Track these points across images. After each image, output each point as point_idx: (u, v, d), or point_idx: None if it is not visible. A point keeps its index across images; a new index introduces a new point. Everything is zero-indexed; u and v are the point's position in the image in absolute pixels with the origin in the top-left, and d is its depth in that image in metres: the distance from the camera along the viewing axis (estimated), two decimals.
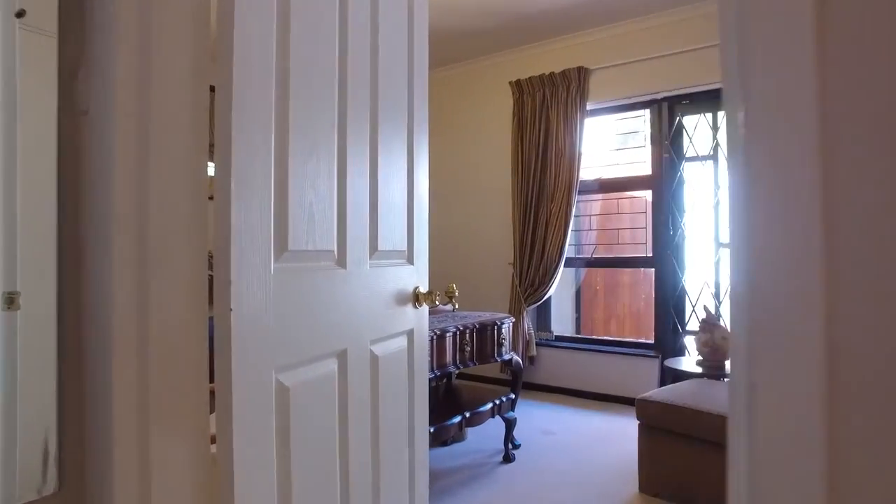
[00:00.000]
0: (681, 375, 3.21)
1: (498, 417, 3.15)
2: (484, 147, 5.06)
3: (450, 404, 3.10)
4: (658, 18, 4.08)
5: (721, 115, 4.03)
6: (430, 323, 3.08)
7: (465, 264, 5.15)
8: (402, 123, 1.67)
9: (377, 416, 1.49)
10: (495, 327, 3.17)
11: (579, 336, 4.76)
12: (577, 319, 5.55)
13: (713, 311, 3.33)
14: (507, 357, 3.25)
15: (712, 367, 3.16)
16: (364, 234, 1.45)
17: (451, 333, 2.89)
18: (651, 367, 4.14)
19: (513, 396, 3.25)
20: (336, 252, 1.34)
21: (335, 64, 1.33)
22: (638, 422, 2.68)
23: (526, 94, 4.68)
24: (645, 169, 4.35)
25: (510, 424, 3.20)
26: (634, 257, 4.50)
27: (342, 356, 1.36)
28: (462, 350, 2.97)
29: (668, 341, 4.17)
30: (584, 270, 5.55)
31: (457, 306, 3.80)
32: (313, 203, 1.25)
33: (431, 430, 2.70)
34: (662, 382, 4.08)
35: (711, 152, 4.06)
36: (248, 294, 1.05)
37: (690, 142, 4.16)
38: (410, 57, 1.69)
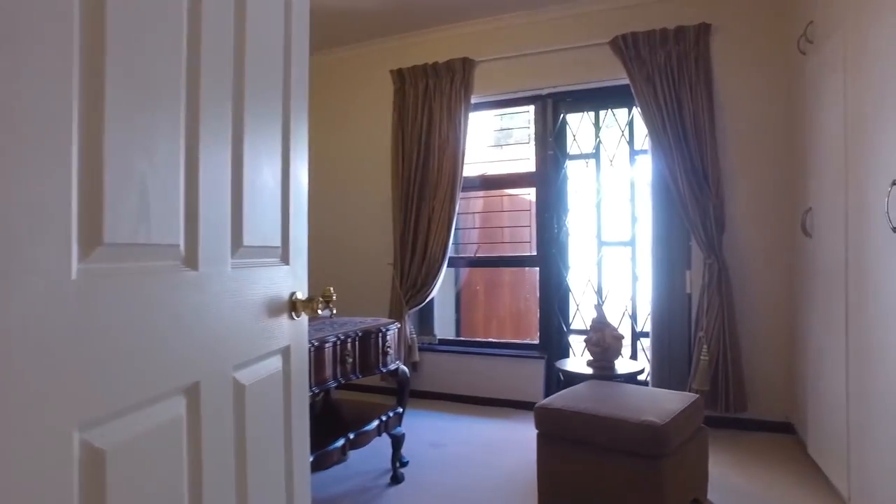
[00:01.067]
0: (572, 378, 3.11)
1: (385, 435, 2.84)
2: (364, 139, 4.71)
3: (330, 424, 2.73)
4: (545, 13, 4.00)
5: (603, 113, 4.05)
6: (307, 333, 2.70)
7: (342, 264, 4.77)
8: (275, 96, 1.30)
9: (244, 467, 1.12)
10: (380, 335, 2.85)
11: (463, 339, 4.58)
12: (458, 321, 5.39)
13: (602, 311, 3.29)
14: (392, 367, 2.94)
15: (603, 368, 3.09)
16: (224, 223, 1.07)
17: (330, 344, 2.53)
18: (537, 369, 4.05)
19: (400, 410, 2.95)
20: (183, 247, 0.96)
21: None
22: (536, 431, 2.50)
23: (408, 84, 4.41)
24: (529, 166, 4.26)
25: (398, 442, 2.90)
26: (518, 256, 4.40)
27: (193, 392, 0.97)
28: (343, 362, 2.62)
29: (553, 342, 4.11)
30: (465, 271, 5.40)
31: (334, 312, 3.44)
32: (146, 174, 0.86)
33: (311, 458, 2.33)
34: (548, 384, 4.01)
35: (594, 150, 4.06)
36: (17, 314, 0.65)
37: (574, 139, 4.13)
38: (288, 25, 1.33)
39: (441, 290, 4.45)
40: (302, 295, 1.41)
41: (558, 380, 3.80)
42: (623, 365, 3.24)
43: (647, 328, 3.75)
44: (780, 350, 3.44)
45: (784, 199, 3.39)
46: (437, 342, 4.51)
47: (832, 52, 2.48)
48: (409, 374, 3.10)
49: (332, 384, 2.57)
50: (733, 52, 3.53)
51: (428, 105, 4.31)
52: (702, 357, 3.38)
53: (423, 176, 4.30)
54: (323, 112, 4.86)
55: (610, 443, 2.23)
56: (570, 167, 4.14)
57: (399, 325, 3.07)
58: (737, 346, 3.41)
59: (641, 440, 2.15)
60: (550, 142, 4.12)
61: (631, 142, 3.96)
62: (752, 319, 3.48)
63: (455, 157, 4.18)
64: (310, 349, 2.39)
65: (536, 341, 4.22)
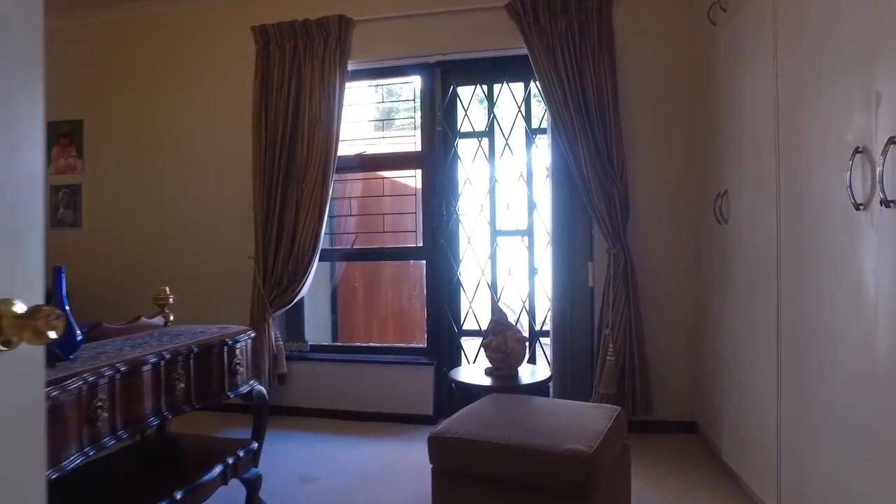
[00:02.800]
0: (470, 391, 2.63)
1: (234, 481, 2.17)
2: (219, 111, 3.90)
3: (154, 476, 2.02)
4: None
5: (498, 87, 3.61)
6: (117, 350, 1.96)
7: (191, 260, 3.94)
8: None
9: None
10: (224, 349, 2.17)
11: (339, 345, 3.96)
12: (334, 324, 4.75)
13: (502, 309, 2.84)
14: (244, 389, 2.27)
15: (505, 377, 2.64)
16: None
17: (149, 367, 1.82)
18: (425, 377, 3.54)
19: (254, 446, 2.28)
20: None
21: None
22: (431, 465, 1.98)
23: (273, 45, 3.69)
24: (414, 144, 3.73)
25: (253, 487, 2.24)
26: (402, 248, 3.86)
27: None
28: (171, 390, 1.92)
29: (443, 345, 3.62)
30: (341, 265, 4.78)
31: (171, 319, 2.68)
32: None
33: None
34: (439, 393, 3.51)
35: (487, 128, 3.61)
36: None
37: (465, 115, 3.66)
38: None
39: (313, 288, 3.80)
40: (20, 307, 0.75)
41: (450, 389, 3.32)
42: (528, 372, 2.81)
43: (548, 326, 3.38)
44: (685, 346, 3.21)
45: (693, 182, 3.16)
46: (308, 349, 3.84)
47: (755, 19, 2.19)
48: (266, 395, 2.43)
49: (154, 421, 1.87)
50: (637, 23, 3.24)
51: (297, 71, 3.63)
52: (608, 357, 3.06)
53: (291, 155, 3.62)
54: (167, 77, 3.99)
55: (526, 479, 1.76)
56: (461, 147, 3.67)
57: (253, 334, 2.40)
58: (642, 344, 3.12)
59: (566, 474, 1.70)
60: (439, 117, 3.62)
61: (528, 119, 3.56)
62: (658, 314, 3.22)
63: (329, 132, 3.54)
64: (112, 376, 1.68)
65: (424, 345, 3.71)
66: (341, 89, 3.58)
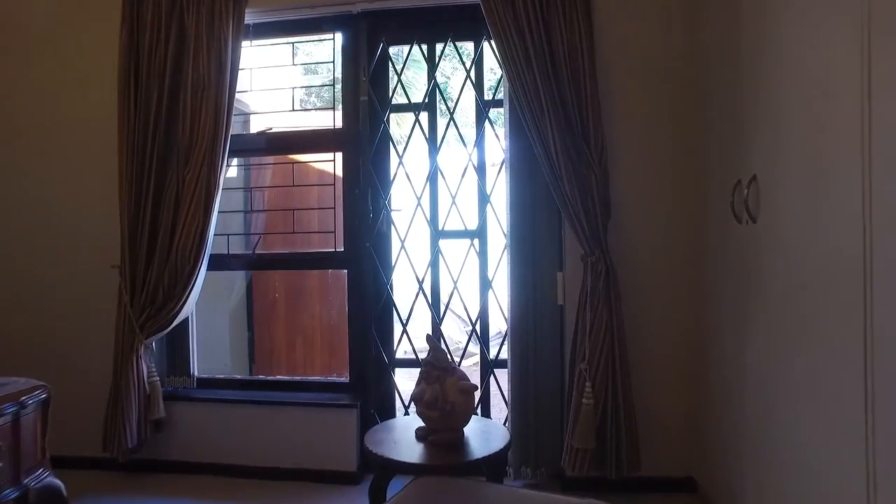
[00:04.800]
0: (393, 469, 1.80)
1: None
2: (73, 71, 2.96)
3: None
4: None
5: (441, 47, 2.80)
6: None
7: (39, 271, 2.98)
8: None
9: None
10: None
11: (238, 378, 3.07)
12: (251, 349, 3.89)
13: (438, 339, 2.04)
14: (8, 494, 1.40)
15: (443, 446, 1.82)
16: None
17: None
18: (347, 423, 2.69)
19: None
20: None
21: None
22: None
23: None
24: (333, 120, 2.89)
25: None
26: (318, 253, 3.01)
27: None
28: None
29: (369, 380, 2.78)
30: (260, 275, 3.93)
31: None
32: None
33: None
34: (362, 447, 2.67)
35: (427, 99, 2.79)
36: None
37: (399, 82, 2.84)
38: None
39: (212, 303, 2.92)
40: None
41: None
42: (477, 434, 1.99)
43: (505, 354, 2.60)
44: (682, 385, 2.48)
45: (698, 167, 2.42)
46: (194, 386, 2.94)
47: None
48: (64, 493, 1.56)
49: None
50: None
51: (178, 19, 2.72)
52: (584, 401, 2.29)
53: (169, 133, 2.73)
54: (14, 30, 3.02)
55: None
56: (394, 123, 2.85)
57: (45, 395, 1.52)
58: (628, 382, 2.37)
59: None
60: (365, 85, 2.78)
61: (480, 88, 2.77)
62: (648, 341, 2.48)
63: (219, 104, 2.66)
64: None
65: (346, 379, 2.87)
66: (236, 46, 2.70)
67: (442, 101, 2.81)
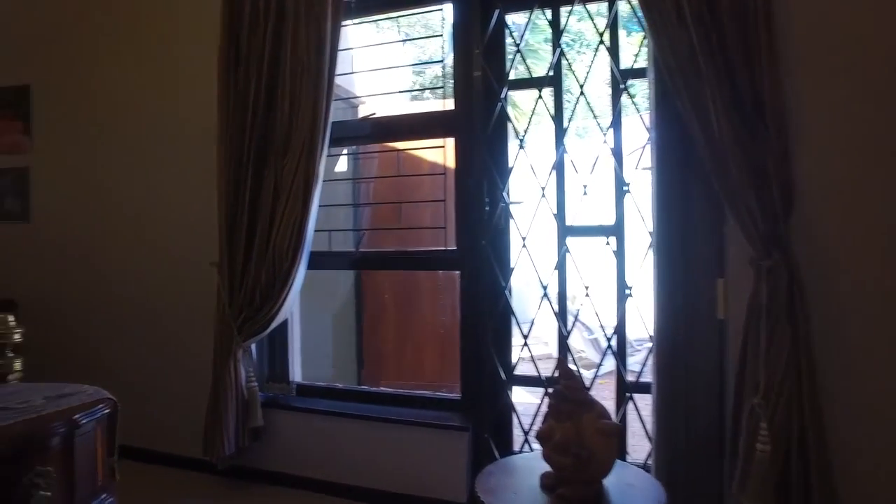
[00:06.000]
0: None
1: None
2: (178, 63, 2.89)
3: None
4: None
5: (567, 10, 2.37)
6: None
7: (150, 267, 2.95)
8: None
9: None
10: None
11: (340, 388, 2.82)
12: (359, 354, 3.68)
13: (566, 355, 1.62)
14: None
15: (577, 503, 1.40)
16: None
17: None
18: (457, 448, 2.36)
19: None
20: None
21: None
22: None
23: None
24: (443, 104, 2.56)
25: None
26: (426, 251, 2.69)
27: None
28: None
29: (483, 399, 2.40)
30: (370, 275, 3.72)
31: (18, 369, 1.60)
32: None
33: None
34: (477, 471, 2.30)
35: (552, 72, 2.37)
36: None
37: (518, 53, 2.44)
38: None
39: (309, 304, 2.72)
40: None
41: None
42: (621, 490, 1.53)
43: (648, 377, 2.12)
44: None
45: None
46: (293, 394, 2.75)
47: None
48: None
49: None
50: None
51: (277, 6, 2.54)
52: (759, 446, 1.76)
53: (267, 120, 2.55)
54: (124, 24, 3.02)
55: None
56: (514, 102, 2.45)
57: (107, 410, 1.31)
58: (820, 426, 1.79)
59: None
60: (478, 59, 2.41)
61: (616, 56, 2.30)
62: (849, 375, 1.88)
63: (318, 88, 2.43)
64: None
65: (457, 394, 2.52)
66: (335, 24, 2.46)
67: (570, 73, 2.38)
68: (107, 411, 1.32)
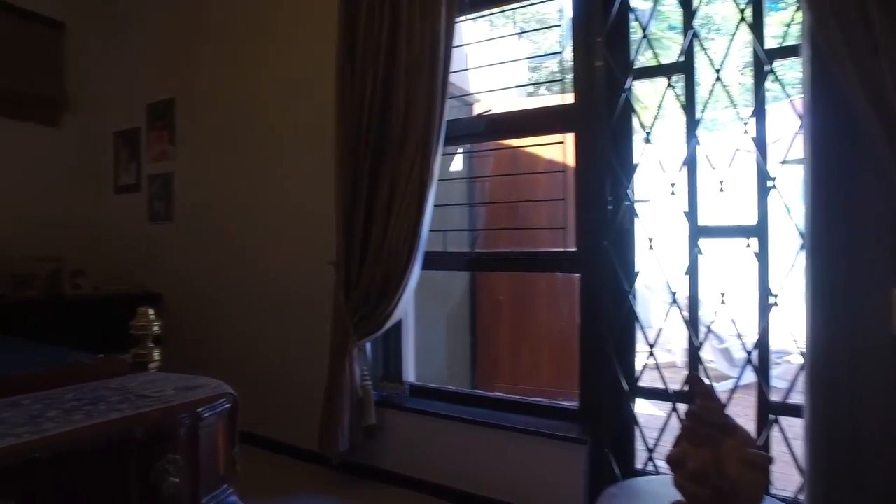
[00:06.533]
0: None
1: None
2: (298, 69, 3.01)
3: None
4: None
5: None
6: None
7: (272, 266, 3.10)
8: None
9: None
10: (134, 444, 1.14)
11: (453, 390, 2.78)
12: (473, 357, 3.64)
13: (697, 369, 1.44)
14: None
15: None
16: None
17: None
18: (573, 462, 2.22)
19: None
20: None
21: None
22: None
23: None
24: (562, 98, 2.43)
25: None
26: (545, 253, 2.57)
27: None
28: None
29: (604, 410, 2.25)
30: (483, 275, 3.67)
31: (156, 358, 1.71)
32: None
33: None
34: (595, 488, 2.16)
35: (683, 57, 2.16)
36: None
37: (644, 38, 2.26)
38: None
39: (423, 303, 2.72)
40: None
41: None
42: None
43: (798, 398, 1.86)
44: None
45: None
46: (406, 393, 2.75)
47: None
48: None
49: None
50: None
51: (391, 5, 2.55)
52: None
53: (383, 119, 2.56)
54: (249, 38, 3.20)
55: None
56: (639, 92, 2.27)
57: (228, 405, 1.35)
58: None
59: None
60: (600, 47, 2.26)
61: (760, 34, 2.04)
62: None
63: (433, 85, 2.41)
64: None
65: (574, 403, 2.38)
66: (450, 19, 2.43)
67: (704, 57, 2.15)
68: (228, 406, 1.36)
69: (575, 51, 2.34)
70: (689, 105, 2.14)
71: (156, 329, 1.71)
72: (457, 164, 3.37)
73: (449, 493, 2.48)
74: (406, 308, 2.59)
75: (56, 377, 1.45)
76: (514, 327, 3.62)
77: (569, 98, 2.41)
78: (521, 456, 2.34)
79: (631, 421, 2.24)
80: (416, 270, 2.47)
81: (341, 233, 2.60)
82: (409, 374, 2.79)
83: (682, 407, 2.02)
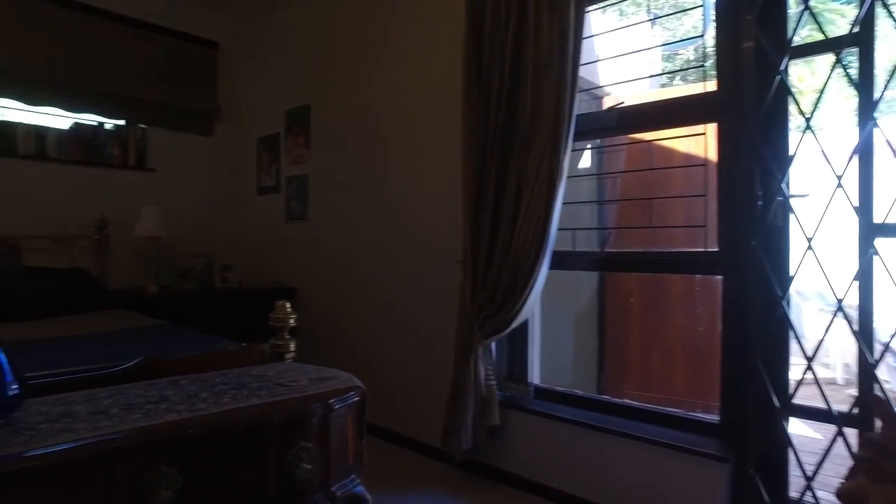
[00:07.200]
0: None
1: None
2: (425, 70, 3.05)
3: None
4: None
5: None
6: (90, 414, 1.12)
7: (398, 265, 3.17)
8: None
9: None
10: (271, 430, 1.19)
11: (580, 395, 2.66)
12: (601, 360, 3.51)
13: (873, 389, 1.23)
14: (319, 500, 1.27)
15: None
16: None
17: (102, 465, 0.96)
18: (713, 482, 2.03)
19: None
20: None
21: None
22: None
23: None
24: (703, 83, 2.24)
25: None
26: (682, 253, 2.38)
27: None
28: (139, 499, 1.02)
29: (749, 426, 2.03)
30: (612, 276, 3.53)
31: (292, 349, 1.79)
32: None
33: None
34: None
35: (857, 28, 1.89)
36: None
37: (806, 10, 2.01)
38: None
39: (549, 304, 2.64)
40: None
41: None
42: None
43: None
44: None
45: None
46: (531, 395, 2.68)
47: None
48: None
49: None
50: None
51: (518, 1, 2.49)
52: None
53: (510, 115, 2.52)
54: (375, 39, 3.30)
55: None
56: (794, 74, 2.02)
57: (357, 398, 1.37)
58: None
59: None
60: (749, 26, 2.05)
61: None
62: None
63: (562, 79, 2.33)
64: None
65: (716, 417, 2.18)
66: (579, 10, 2.33)
67: (888, 28, 1.87)
68: (357, 399, 1.38)
69: (719, 32, 2.14)
70: (864, 83, 1.87)
71: (292, 321, 1.80)
72: (585, 160, 3.24)
73: (571, 500, 2.38)
74: (532, 308, 2.52)
75: (207, 362, 1.57)
76: (644, 331, 3.42)
77: (710, 85, 2.21)
78: (652, 469, 2.18)
79: (784, 442, 2.00)
80: (543, 270, 2.40)
81: (468, 231, 2.59)
82: (534, 375, 2.72)
83: (850, 432, 1.77)
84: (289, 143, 3.94)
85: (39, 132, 3.43)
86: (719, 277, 2.18)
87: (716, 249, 2.19)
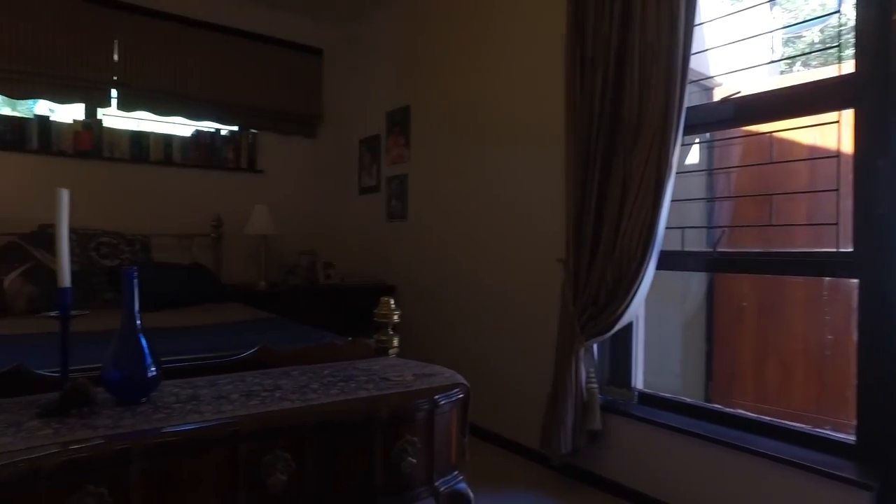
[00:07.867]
0: None
1: None
2: (525, 67, 3.00)
3: None
4: None
5: None
6: (214, 399, 1.19)
7: (498, 263, 3.14)
8: None
9: None
10: (378, 424, 1.20)
11: (687, 402, 2.50)
12: (708, 365, 3.30)
13: None
14: (422, 495, 1.28)
15: None
16: None
17: (222, 447, 1.01)
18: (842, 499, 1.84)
19: None
20: None
21: None
22: None
23: None
24: (837, 66, 2.03)
25: None
26: (808, 253, 2.17)
27: None
28: (255, 486, 1.07)
29: (892, 442, 1.83)
30: (723, 278, 3.32)
31: (395, 345, 1.82)
32: None
33: None
34: None
35: None
36: None
37: None
38: None
39: (654, 306, 2.52)
40: None
41: None
42: None
43: None
44: None
45: None
46: (635, 401, 2.56)
47: None
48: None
49: None
50: None
51: None
52: None
53: (615, 110, 2.42)
54: (474, 41, 3.29)
55: None
56: None
57: (461, 395, 1.36)
58: None
59: None
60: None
61: None
62: None
63: (671, 70, 2.20)
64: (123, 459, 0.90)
65: (852, 437, 1.97)
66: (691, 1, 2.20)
67: None
68: (461, 396, 1.37)
69: (860, 5, 1.93)
70: None
71: (396, 318, 1.82)
72: (693, 155, 3.06)
73: None
74: (637, 310, 2.41)
75: (316, 354, 1.63)
76: (759, 338, 3.16)
77: (846, 67, 2.00)
78: (772, 488, 2.01)
79: None
80: (650, 271, 2.29)
81: (570, 230, 2.52)
82: (638, 379, 2.60)
83: None
84: (389, 144, 4.03)
85: (167, 140, 3.74)
86: (854, 281, 1.97)
87: (850, 250, 1.98)
